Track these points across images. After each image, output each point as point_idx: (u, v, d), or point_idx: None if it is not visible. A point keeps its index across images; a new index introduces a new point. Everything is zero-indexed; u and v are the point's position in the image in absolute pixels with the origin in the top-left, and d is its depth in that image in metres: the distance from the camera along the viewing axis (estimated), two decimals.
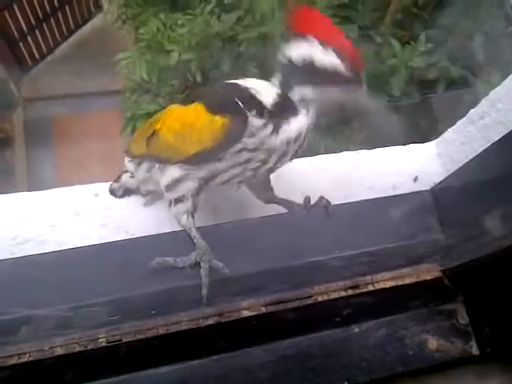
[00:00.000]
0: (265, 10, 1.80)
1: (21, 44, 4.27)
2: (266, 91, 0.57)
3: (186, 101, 0.60)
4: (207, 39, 2.16)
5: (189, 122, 0.57)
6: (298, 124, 0.57)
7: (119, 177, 0.70)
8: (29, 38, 4.30)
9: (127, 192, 0.70)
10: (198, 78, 2.26)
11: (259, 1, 1.77)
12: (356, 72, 0.55)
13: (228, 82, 0.61)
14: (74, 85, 4.17)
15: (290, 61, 0.56)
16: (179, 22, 2.33)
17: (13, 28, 4.14)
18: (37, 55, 4.43)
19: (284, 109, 0.57)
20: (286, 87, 0.57)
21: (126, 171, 0.69)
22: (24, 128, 4.27)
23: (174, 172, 0.59)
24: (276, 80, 0.58)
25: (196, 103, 0.57)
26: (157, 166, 0.62)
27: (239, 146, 0.55)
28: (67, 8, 4.39)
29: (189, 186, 0.59)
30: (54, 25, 4.39)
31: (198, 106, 0.56)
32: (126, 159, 0.68)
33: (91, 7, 4.30)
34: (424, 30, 1.84)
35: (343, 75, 0.54)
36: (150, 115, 2.21)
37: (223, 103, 0.56)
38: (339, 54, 0.53)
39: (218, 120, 0.54)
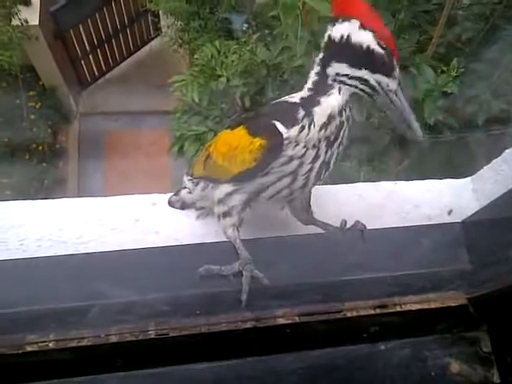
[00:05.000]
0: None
1: (82, 62, 4.55)
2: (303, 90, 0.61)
3: (234, 125, 0.67)
4: (253, 67, 2.26)
5: (233, 145, 0.64)
6: (329, 104, 0.59)
7: (178, 191, 0.78)
8: (90, 57, 4.58)
9: (184, 205, 0.78)
10: (247, 103, 2.35)
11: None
12: (390, 55, 0.56)
13: (275, 101, 0.67)
14: (127, 103, 4.39)
15: (330, 38, 0.58)
16: (232, 50, 2.45)
17: (77, 47, 4.42)
18: (96, 73, 4.69)
19: (318, 90, 0.60)
20: (323, 65, 0.59)
21: (185, 187, 0.77)
22: (78, 140, 4.51)
23: (225, 187, 0.66)
24: (317, 58, 0.60)
25: (240, 127, 0.64)
26: (210, 185, 0.69)
27: (284, 159, 0.60)
28: (128, 30, 4.65)
29: (239, 198, 0.65)
30: (114, 45, 4.66)
31: (242, 130, 0.63)
32: (186, 178, 0.76)
33: (151, 30, 4.54)
34: (467, 64, 1.86)
35: (377, 56, 0.56)
36: (198, 136, 2.32)
37: (262, 126, 0.62)
38: (375, 35, 0.55)
39: (256, 142, 0.60)
